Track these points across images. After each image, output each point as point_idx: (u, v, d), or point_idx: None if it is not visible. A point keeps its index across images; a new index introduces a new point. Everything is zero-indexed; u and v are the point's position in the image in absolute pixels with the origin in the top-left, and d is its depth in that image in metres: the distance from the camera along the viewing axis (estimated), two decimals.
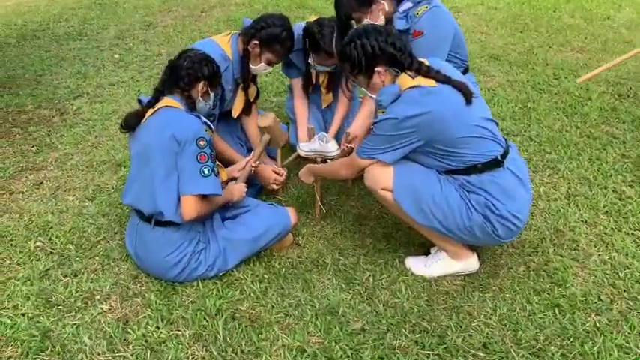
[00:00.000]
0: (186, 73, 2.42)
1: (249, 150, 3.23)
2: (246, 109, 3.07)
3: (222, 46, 2.85)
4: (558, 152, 3.48)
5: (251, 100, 3.07)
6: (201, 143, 2.27)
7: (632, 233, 2.76)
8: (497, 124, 2.33)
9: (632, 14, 6.48)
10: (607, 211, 2.92)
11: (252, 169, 2.81)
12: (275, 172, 2.96)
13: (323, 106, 3.43)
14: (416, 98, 2.18)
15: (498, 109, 4.10)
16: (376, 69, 2.27)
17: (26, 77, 4.93)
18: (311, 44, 3.02)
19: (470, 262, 2.48)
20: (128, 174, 2.51)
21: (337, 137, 3.22)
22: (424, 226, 2.31)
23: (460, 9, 6.81)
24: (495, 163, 2.23)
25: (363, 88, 2.43)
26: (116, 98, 4.46)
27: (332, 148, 3.02)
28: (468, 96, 2.21)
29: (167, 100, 2.41)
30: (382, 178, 2.32)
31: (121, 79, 4.83)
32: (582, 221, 2.86)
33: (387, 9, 2.80)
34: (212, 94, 2.56)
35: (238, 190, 2.57)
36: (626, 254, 2.61)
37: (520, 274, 2.51)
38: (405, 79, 2.24)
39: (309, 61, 3.13)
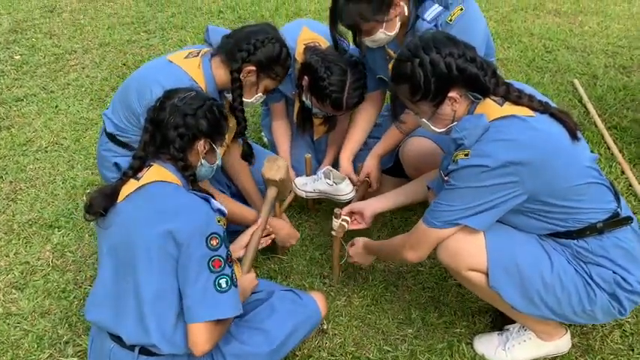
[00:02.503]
0: (177, 135, 1.64)
1: (235, 196, 2.44)
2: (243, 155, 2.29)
3: (191, 72, 2.01)
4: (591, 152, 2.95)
5: (233, 135, 2.26)
6: (214, 242, 1.53)
7: None
8: (595, 160, 1.73)
9: None
10: None
11: (262, 243, 2.06)
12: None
13: (315, 138, 2.70)
14: (514, 134, 1.55)
15: None
16: (449, 94, 1.61)
17: None
18: (314, 89, 2.28)
19: (562, 343, 1.90)
20: (96, 279, 1.69)
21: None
22: (526, 314, 1.69)
23: None
24: (619, 221, 1.63)
25: (422, 120, 1.74)
26: (28, 120, 3.46)
27: (345, 189, 2.32)
28: (573, 129, 1.61)
29: (156, 171, 1.64)
30: (469, 253, 1.66)
31: (30, 91, 3.80)
32: None
33: (405, 13, 2.08)
34: (219, 150, 1.79)
35: (249, 282, 1.82)
36: None
37: (618, 343, 1.97)
38: (492, 107, 1.60)
39: (304, 99, 2.38)
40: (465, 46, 1.63)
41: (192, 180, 1.70)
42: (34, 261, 2.42)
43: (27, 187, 2.87)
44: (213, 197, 1.69)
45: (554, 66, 3.87)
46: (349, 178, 2.34)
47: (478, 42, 2.12)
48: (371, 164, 2.35)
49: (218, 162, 1.82)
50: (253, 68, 2.02)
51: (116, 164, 1.81)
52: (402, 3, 2.05)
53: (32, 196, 2.80)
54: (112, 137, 2.14)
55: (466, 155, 1.57)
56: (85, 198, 2.76)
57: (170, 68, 2.04)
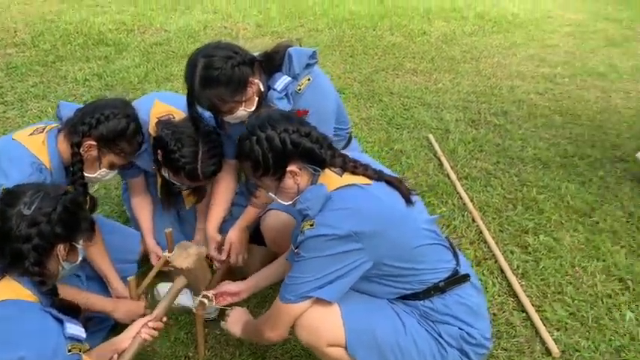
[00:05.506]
0: (31, 247, 1.49)
1: (91, 278, 2.28)
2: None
3: (34, 150, 1.94)
4: (446, 203, 3.16)
5: None
6: None
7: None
8: (434, 221, 1.85)
9: (444, 27, 6.66)
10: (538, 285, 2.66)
11: (149, 338, 1.82)
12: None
13: (187, 207, 2.66)
14: (354, 203, 1.62)
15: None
16: (288, 169, 1.68)
17: None
18: (167, 162, 2.26)
19: None
20: None
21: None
22: None
23: (281, 34, 6.37)
24: (457, 278, 1.75)
25: (269, 194, 1.79)
26: None
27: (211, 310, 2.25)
28: (406, 194, 1.72)
29: (7, 286, 1.48)
30: (326, 328, 1.68)
31: None
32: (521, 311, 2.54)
33: (261, 88, 2.15)
34: (80, 246, 1.65)
35: None
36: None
37: None
38: (332, 177, 1.68)
39: (164, 173, 2.35)
40: (300, 122, 1.73)
41: (51, 290, 1.54)
42: None
43: None
44: (75, 312, 1.57)
45: (411, 122, 4.15)
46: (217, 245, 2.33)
47: (329, 108, 2.25)
48: (232, 236, 2.34)
49: (81, 257, 1.69)
50: (94, 143, 1.98)
51: None
52: (256, 80, 2.12)
53: None
54: None
55: (311, 225, 1.62)
56: None
57: (12, 147, 1.95)
